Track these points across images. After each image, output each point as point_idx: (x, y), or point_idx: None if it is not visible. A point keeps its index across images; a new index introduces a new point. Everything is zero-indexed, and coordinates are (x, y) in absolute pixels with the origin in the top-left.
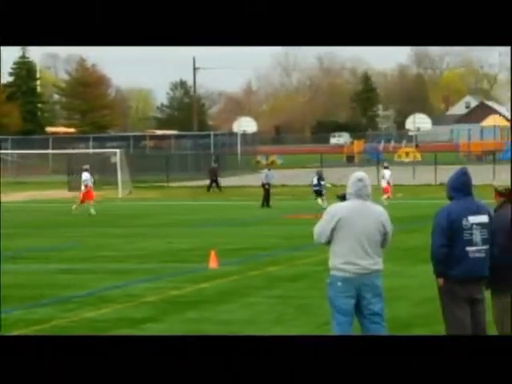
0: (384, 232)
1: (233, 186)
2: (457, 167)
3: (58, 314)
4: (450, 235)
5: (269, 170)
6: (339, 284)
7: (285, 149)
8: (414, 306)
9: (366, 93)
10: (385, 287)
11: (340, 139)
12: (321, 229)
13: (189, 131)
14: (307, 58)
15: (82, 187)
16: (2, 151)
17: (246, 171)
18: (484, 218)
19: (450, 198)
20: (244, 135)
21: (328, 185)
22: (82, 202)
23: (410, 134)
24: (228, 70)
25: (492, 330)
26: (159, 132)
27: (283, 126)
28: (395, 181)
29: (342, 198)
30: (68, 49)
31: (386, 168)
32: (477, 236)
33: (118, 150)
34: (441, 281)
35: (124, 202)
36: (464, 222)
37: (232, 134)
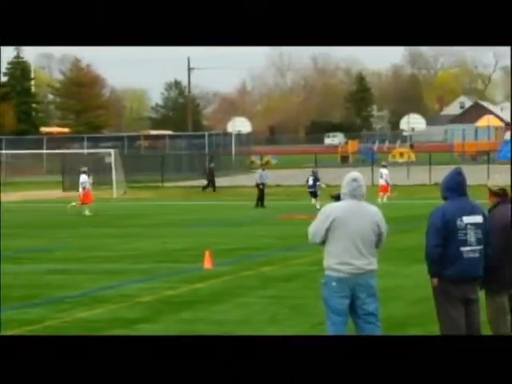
0: (379, 232)
1: (227, 186)
2: (451, 167)
3: (51, 314)
4: (444, 235)
5: (263, 170)
6: (334, 284)
7: (279, 149)
8: (409, 306)
9: (361, 93)
10: (379, 287)
11: (334, 139)
12: (315, 229)
13: (183, 131)
14: (301, 58)
15: (80, 189)
16: None
17: (241, 171)
18: (478, 219)
19: (445, 198)
20: (238, 135)
21: (323, 185)
22: (84, 203)
23: (405, 134)
24: (222, 70)
25: (486, 330)
26: (154, 132)
27: (277, 126)
28: (390, 181)
29: (337, 198)
30: (62, 49)
31: (383, 167)
32: (471, 236)
33: (112, 150)
34: (435, 281)
35: (118, 202)
36: (458, 222)
37: (226, 134)
